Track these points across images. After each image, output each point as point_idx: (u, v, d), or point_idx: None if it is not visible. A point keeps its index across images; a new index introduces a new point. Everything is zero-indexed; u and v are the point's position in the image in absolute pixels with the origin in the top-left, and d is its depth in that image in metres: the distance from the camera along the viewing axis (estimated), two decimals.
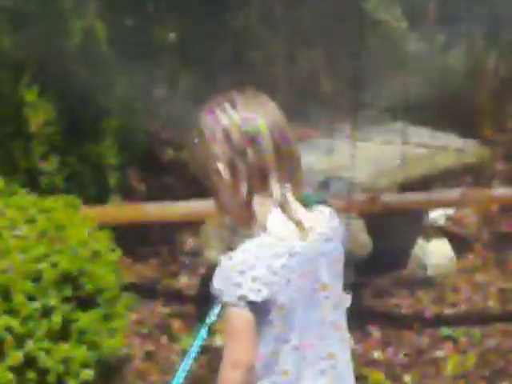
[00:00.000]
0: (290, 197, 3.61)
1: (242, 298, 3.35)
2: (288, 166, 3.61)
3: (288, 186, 3.58)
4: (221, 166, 3.49)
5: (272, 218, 3.52)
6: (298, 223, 3.51)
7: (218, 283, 3.37)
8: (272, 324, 3.45)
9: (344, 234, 3.77)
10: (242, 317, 3.39)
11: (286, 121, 3.62)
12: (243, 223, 3.60)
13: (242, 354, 3.42)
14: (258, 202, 3.52)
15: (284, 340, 3.53)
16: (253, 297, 3.34)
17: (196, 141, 3.61)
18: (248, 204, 3.52)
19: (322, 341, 3.68)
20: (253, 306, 3.37)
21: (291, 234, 3.52)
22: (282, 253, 3.45)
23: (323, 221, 3.65)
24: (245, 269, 3.36)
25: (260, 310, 3.40)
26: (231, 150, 3.53)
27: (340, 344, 3.73)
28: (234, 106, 3.60)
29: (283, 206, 3.54)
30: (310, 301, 3.56)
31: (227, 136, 3.56)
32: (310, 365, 3.64)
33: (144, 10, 9.48)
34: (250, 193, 3.53)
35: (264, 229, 3.45)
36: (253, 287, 3.38)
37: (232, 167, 3.50)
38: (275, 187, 3.55)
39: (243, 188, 3.50)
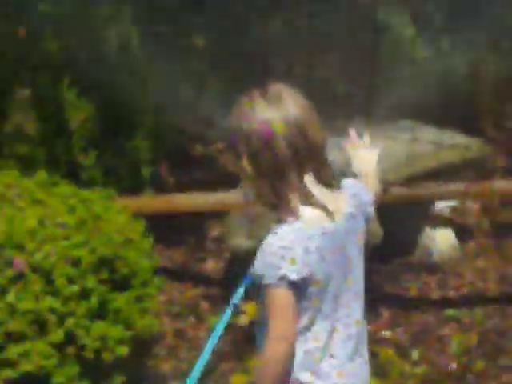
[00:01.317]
0: (313, 186, 3.89)
1: (283, 278, 3.70)
2: (309, 159, 3.87)
3: (311, 177, 3.88)
4: (245, 163, 3.81)
5: (301, 205, 3.85)
6: (323, 208, 3.84)
7: (259, 268, 3.79)
8: (309, 298, 3.83)
9: (370, 203, 4.19)
10: (284, 296, 3.76)
11: (311, 115, 3.88)
12: (271, 210, 3.95)
13: (285, 330, 3.81)
14: (285, 193, 3.86)
15: (318, 310, 3.91)
16: (293, 276, 3.69)
17: (226, 141, 3.93)
18: (275, 195, 3.88)
19: (349, 309, 4.04)
20: (293, 285, 3.73)
21: (320, 217, 3.85)
22: (314, 234, 3.80)
23: (347, 200, 4.01)
24: (284, 252, 3.72)
25: (299, 288, 3.76)
26: (251, 151, 3.84)
27: (362, 312, 4.05)
28: (253, 110, 3.86)
29: (307, 195, 3.85)
30: (341, 273, 3.96)
31: (248, 140, 3.85)
32: (339, 331, 4.01)
33: (175, 18, 9.70)
34: (273, 186, 3.87)
35: (295, 215, 3.81)
36: (292, 268, 3.71)
37: (253, 165, 3.83)
38: (295, 180, 3.85)
39: (265, 182, 3.87)
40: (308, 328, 3.92)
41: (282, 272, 3.71)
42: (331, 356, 4.00)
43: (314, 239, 3.81)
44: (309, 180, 3.86)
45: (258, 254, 3.79)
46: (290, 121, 3.83)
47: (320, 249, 3.82)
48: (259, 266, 3.79)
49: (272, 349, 3.81)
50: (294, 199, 3.84)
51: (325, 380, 3.97)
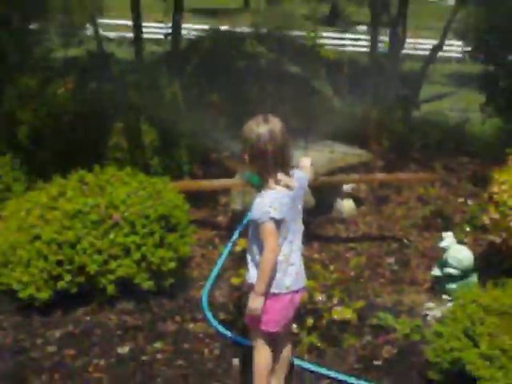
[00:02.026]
0: (281, 174, 4.33)
1: (271, 218, 4.25)
2: (285, 156, 4.32)
3: (285, 168, 4.33)
4: (246, 157, 4.30)
5: (278, 182, 4.29)
6: (286, 184, 4.31)
7: (256, 214, 4.32)
8: (282, 230, 4.35)
9: (306, 183, 4.61)
10: (272, 227, 4.28)
11: (284, 134, 4.24)
12: (254, 188, 4.44)
13: (274, 244, 4.32)
14: (272, 175, 4.29)
15: (284, 238, 4.41)
16: (277, 217, 4.24)
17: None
18: (266, 176, 4.30)
19: (298, 240, 4.55)
20: (276, 222, 4.26)
21: (286, 188, 4.32)
22: (284, 196, 4.33)
23: (296, 180, 4.42)
24: (271, 204, 4.26)
25: (278, 224, 4.29)
26: (250, 151, 4.30)
27: (301, 242, 4.57)
28: (262, 125, 4.22)
29: (281, 177, 4.30)
30: (295, 218, 4.47)
31: (255, 145, 4.24)
32: (294, 251, 4.51)
33: (201, 84, 9.69)
34: (268, 173, 4.30)
35: (275, 187, 4.30)
36: (276, 213, 4.26)
37: (250, 159, 4.30)
38: (278, 169, 4.31)
39: (256, 170, 4.34)
40: (280, 248, 4.41)
41: (271, 215, 4.28)
42: (291, 264, 4.53)
43: (284, 199, 4.35)
44: (280, 172, 4.35)
45: (255, 207, 4.35)
46: (279, 132, 4.27)
47: (287, 204, 4.37)
48: (257, 213, 4.34)
49: (270, 254, 4.32)
50: (271, 180, 4.33)
51: (288, 277, 4.46)
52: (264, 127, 4.30)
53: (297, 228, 4.56)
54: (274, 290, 4.48)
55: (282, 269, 4.49)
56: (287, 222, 4.44)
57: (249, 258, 4.60)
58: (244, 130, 4.40)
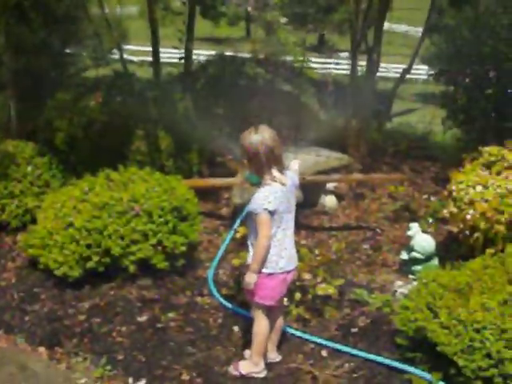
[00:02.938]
0: (275, 172, 4.37)
1: (265, 209, 4.30)
2: (274, 160, 4.34)
3: (279, 167, 4.38)
4: (244, 160, 4.37)
5: (273, 179, 4.33)
6: (282, 181, 4.38)
7: (254, 205, 4.36)
8: (276, 220, 4.39)
9: (297, 181, 4.66)
10: (266, 217, 4.33)
11: (276, 139, 4.31)
12: (253, 186, 4.47)
13: (267, 232, 4.37)
14: (268, 173, 4.34)
15: (279, 226, 4.44)
16: (270, 208, 4.29)
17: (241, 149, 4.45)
18: (262, 174, 4.35)
19: (291, 228, 4.56)
20: (270, 213, 4.31)
21: (281, 184, 4.37)
22: (278, 191, 4.37)
23: (289, 178, 4.48)
24: (266, 198, 4.32)
25: (272, 214, 4.34)
26: (248, 155, 4.36)
27: (293, 230, 4.60)
28: (254, 134, 4.30)
29: (276, 175, 4.34)
30: (288, 210, 4.49)
31: (249, 150, 4.33)
32: (288, 236, 4.53)
33: (209, 101, 9.63)
34: (258, 171, 4.36)
35: (270, 183, 4.34)
36: (270, 205, 4.31)
37: (248, 162, 4.36)
38: (274, 168, 4.34)
39: (253, 169, 4.38)
40: (274, 235, 4.45)
41: (265, 206, 4.32)
42: (285, 248, 4.54)
43: (278, 193, 4.37)
44: (274, 169, 4.36)
45: (253, 200, 4.39)
46: (272, 138, 4.34)
47: (280, 198, 4.39)
48: (254, 205, 4.37)
49: (263, 240, 4.35)
50: (267, 177, 4.36)
51: (282, 259, 4.48)
52: (255, 134, 4.39)
53: (289, 218, 4.57)
54: (269, 270, 4.53)
55: (277, 252, 4.52)
56: (281, 213, 4.46)
57: (248, 243, 4.65)
58: (241, 139, 4.47)
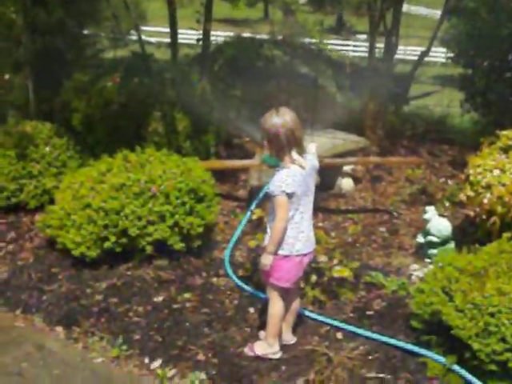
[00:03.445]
0: (295, 154, 4.36)
1: (283, 191, 4.30)
2: (294, 143, 4.33)
3: (299, 150, 4.37)
4: (265, 142, 4.36)
5: (293, 162, 4.32)
6: (300, 164, 4.35)
7: (272, 188, 4.36)
8: (294, 202, 4.38)
9: (317, 164, 4.59)
10: (284, 200, 4.33)
11: (296, 122, 4.29)
12: (270, 168, 4.55)
13: (285, 214, 4.38)
14: (288, 156, 4.33)
15: (296, 209, 4.43)
16: (288, 190, 4.29)
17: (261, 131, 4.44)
18: (282, 156, 4.33)
19: (309, 211, 4.56)
20: (288, 195, 4.30)
21: (300, 167, 4.35)
22: (297, 174, 4.35)
23: (308, 161, 4.44)
24: (284, 179, 4.31)
25: (290, 197, 4.33)
26: (269, 137, 4.34)
27: (312, 211, 4.57)
28: (275, 116, 4.29)
29: (292, 159, 4.33)
30: (306, 193, 4.47)
31: (268, 132, 4.32)
32: (306, 219, 4.53)
33: (227, 81, 9.64)
34: (278, 154, 4.34)
35: (290, 166, 4.32)
36: (288, 187, 4.30)
37: (269, 143, 4.34)
38: (293, 150, 4.33)
39: (274, 151, 4.37)
40: (292, 218, 4.45)
41: (283, 189, 4.32)
42: (302, 231, 4.53)
43: (296, 176, 4.36)
44: (294, 152, 4.35)
45: (271, 182, 4.38)
46: (293, 121, 4.32)
47: (299, 181, 4.37)
48: (272, 187, 4.36)
49: (279, 222, 4.37)
50: (287, 160, 4.35)
51: (299, 242, 4.48)
52: (276, 116, 4.36)
53: (308, 201, 4.56)
54: (285, 252, 4.53)
55: (294, 235, 4.52)
56: (299, 195, 4.45)
57: (267, 225, 4.67)
58: (262, 121, 4.44)
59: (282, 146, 4.40)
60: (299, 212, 4.51)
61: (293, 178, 4.39)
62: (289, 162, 4.44)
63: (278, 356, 4.79)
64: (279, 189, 4.37)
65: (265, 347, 4.80)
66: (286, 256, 4.53)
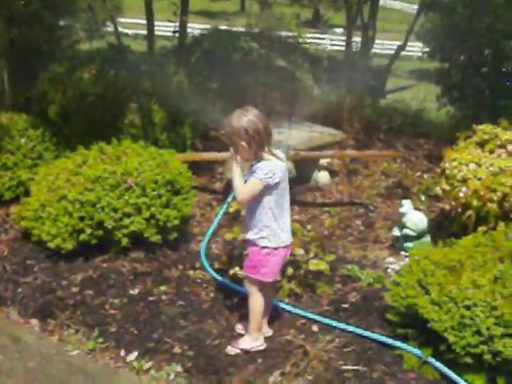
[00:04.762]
0: (272, 149, 4.42)
1: (263, 180, 4.29)
2: (266, 139, 4.36)
3: (270, 146, 4.41)
4: (243, 142, 4.29)
5: (273, 155, 4.38)
6: (280, 158, 4.43)
7: (259, 172, 4.27)
8: (276, 192, 4.38)
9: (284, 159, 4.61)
10: (258, 187, 4.31)
11: (263, 120, 4.32)
12: (246, 161, 4.44)
13: (248, 196, 4.34)
14: (267, 150, 4.36)
15: (277, 200, 4.45)
16: (270, 182, 4.31)
17: (229, 129, 4.37)
18: (253, 154, 4.35)
19: (287, 203, 4.57)
20: (269, 186, 4.30)
21: (280, 161, 4.42)
22: (279, 166, 4.41)
23: (283, 157, 4.51)
24: (270, 171, 4.31)
25: (274, 187, 4.33)
26: (247, 135, 4.31)
27: (289, 206, 4.63)
28: (246, 113, 4.32)
29: (273, 153, 4.40)
30: (285, 185, 4.49)
31: (245, 129, 4.29)
32: (285, 210, 4.55)
33: (204, 74, 9.59)
34: (257, 151, 4.33)
35: (270, 158, 4.35)
36: (270, 178, 4.31)
37: (254, 139, 4.28)
38: (266, 147, 4.36)
39: (253, 149, 4.33)
40: (273, 209, 4.45)
41: (263, 177, 4.28)
42: (284, 222, 4.56)
43: (281, 168, 4.42)
44: (268, 147, 4.38)
45: (258, 169, 4.28)
46: (262, 119, 4.32)
47: (280, 173, 4.38)
48: (261, 173, 4.27)
49: (242, 195, 4.35)
50: (268, 153, 4.37)
51: (284, 233, 4.53)
52: (247, 113, 4.37)
53: (286, 193, 4.57)
54: (273, 244, 4.57)
55: (279, 226, 4.53)
56: (281, 187, 4.47)
57: (245, 218, 4.75)
58: (233, 122, 4.39)
59: (262, 141, 4.40)
60: (279, 204, 4.51)
61: (280, 169, 4.43)
62: (269, 155, 4.46)
63: (263, 347, 4.77)
64: (264, 177, 4.35)
65: (250, 341, 4.78)
66: (275, 249, 4.54)
